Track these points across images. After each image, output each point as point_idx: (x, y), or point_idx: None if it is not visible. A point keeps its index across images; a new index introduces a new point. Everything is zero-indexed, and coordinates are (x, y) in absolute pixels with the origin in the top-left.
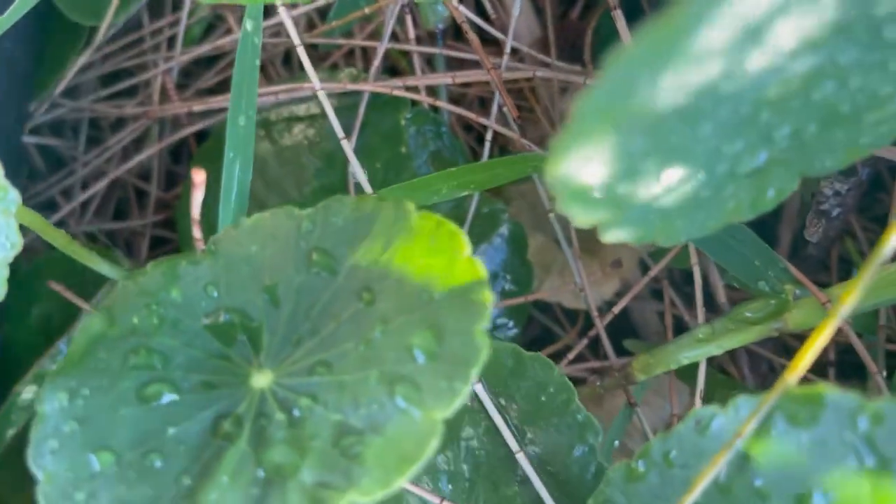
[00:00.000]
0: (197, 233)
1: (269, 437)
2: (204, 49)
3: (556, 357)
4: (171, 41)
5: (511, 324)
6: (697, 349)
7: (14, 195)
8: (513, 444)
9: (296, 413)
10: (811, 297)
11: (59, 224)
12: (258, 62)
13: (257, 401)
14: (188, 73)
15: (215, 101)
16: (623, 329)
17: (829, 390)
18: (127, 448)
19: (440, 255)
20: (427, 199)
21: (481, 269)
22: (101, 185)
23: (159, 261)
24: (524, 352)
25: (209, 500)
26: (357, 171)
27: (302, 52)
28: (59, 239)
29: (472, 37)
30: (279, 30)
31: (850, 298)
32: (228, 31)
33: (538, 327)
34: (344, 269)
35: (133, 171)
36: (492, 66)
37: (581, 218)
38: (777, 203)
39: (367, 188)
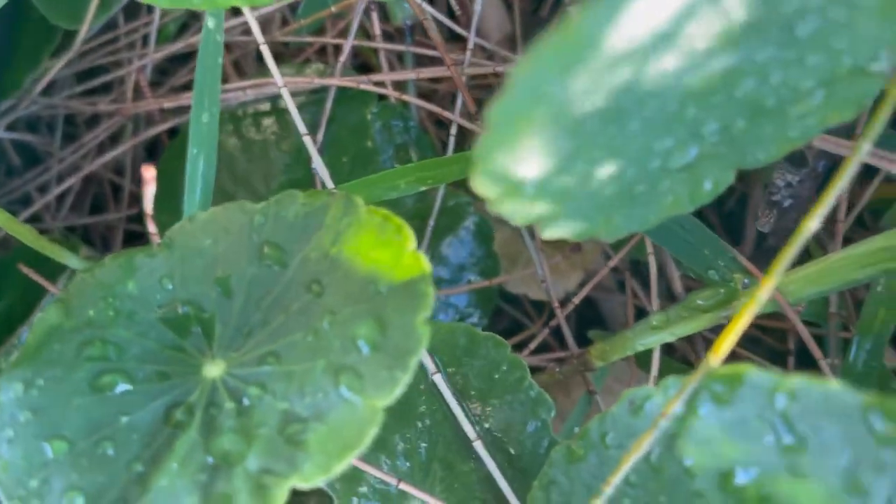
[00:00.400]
0: (152, 227)
1: (218, 425)
2: (178, 47)
3: (522, 346)
4: (146, 39)
5: (478, 314)
6: (652, 336)
7: None
8: (467, 428)
9: (245, 402)
10: (759, 286)
11: (35, 220)
12: (220, 60)
13: (209, 390)
14: (163, 71)
15: (187, 98)
16: (592, 320)
17: (749, 370)
18: (80, 436)
19: (387, 249)
20: (385, 193)
21: (425, 263)
22: (75, 181)
23: (117, 254)
24: (478, 331)
25: (159, 485)
26: (318, 167)
27: (265, 51)
28: (25, 234)
29: (435, 34)
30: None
31: (767, 286)
32: (202, 30)
33: (507, 319)
34: (294, 261)
35: (108, 166)
36: (453, 62)
37: (516, 216)
38: (715, 196)
39: (329, 183)
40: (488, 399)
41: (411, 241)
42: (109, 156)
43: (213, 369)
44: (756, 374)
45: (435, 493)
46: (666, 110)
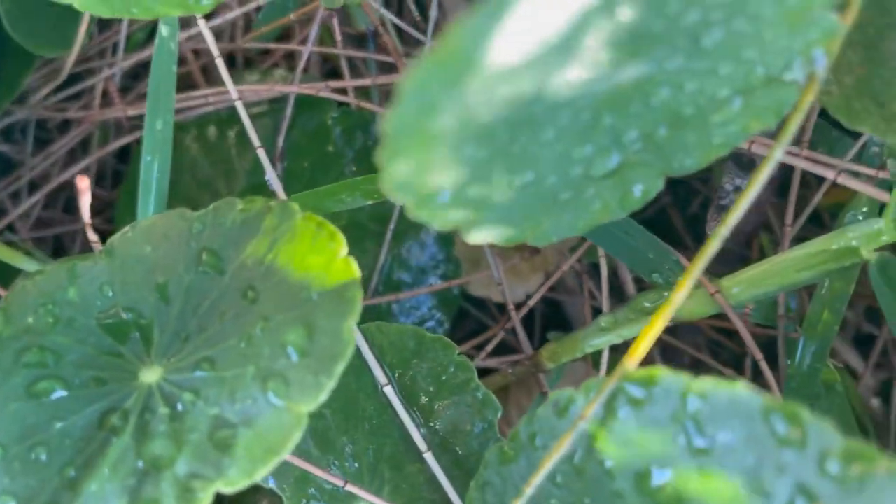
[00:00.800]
0: (92, 235)
1: (151, 430)
2: (146, 54)
3: (482, 349)
4: (115, 47)
5: (440, 318)
6: (600, 338)
7: None
8: (416, 437)
9: (179, 407)
10: (703, 288)
11: (7, 228)
12: (174, 67)
13: (144, 395)
14: (136, 76)
15: None
16: (557, 322)
17: (662, 372)
18: (13, 441)
19: (319, 255)
20: (334, 206)
21: (355, 269)
22: (41, 192)
23: (58, 261)
24: (426, 333)
25: (89, 490)
26: (270, 176)
27: (220, 63)
28: None
29: (388, 39)
30: (219, 32)
31: (682, 289)
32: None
33: (472, 322)
34: (231, 268)
35: (80, 173)
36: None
37: (434, 223)
38: (645, 202)
39: (281, 192)
40: (436, 400)
41: (343, 247)
42: (82, 164)
43: (150, 375)
44: (668, 376)
45: (382, 493)
46: (580, 119)
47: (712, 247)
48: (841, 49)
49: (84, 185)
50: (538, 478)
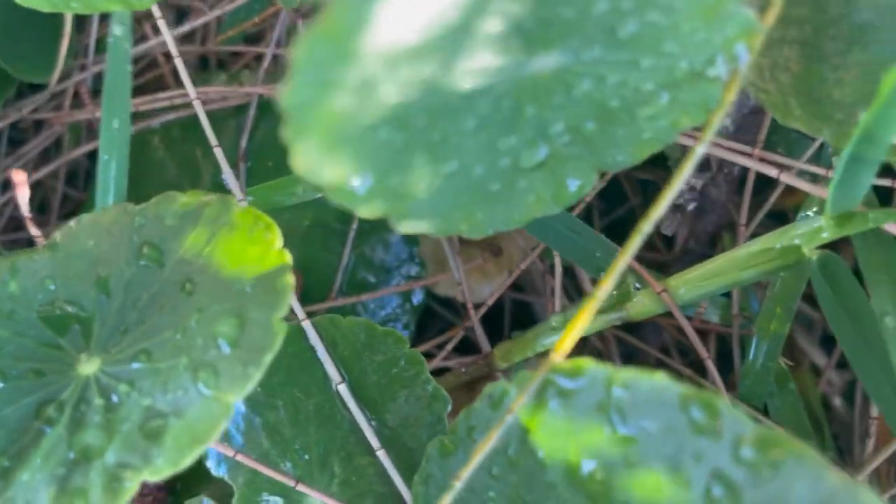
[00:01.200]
0: (34, 230)
1: (86, 421)
2: None
3: (443, 347)
4: (87, 48)
5: (405, 318)
6: (552, 336)
7: None
8: (368, 433)
9: (114, 398)
10: (651, 288)
11: None
12: (129, 66)
13: (81, 387)
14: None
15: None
16: (526, 325)
17: (588, 363)
18: None
19: (255, 247)
20: (287, 199)
21: (287, 257)
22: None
23: (1, 256)
24: (377, 326)
25: (21, 480)
26: (226, 173)
27: (179, 64)
28: None
29: None
30: (191, 35)
31: (606, 283)
32: (143, 38)
33: (439, 321)
34: (171, 261)
35: (52, 173)
36: None
37: (359, 211)
38: (580, 196)
39: (235, 189)
40: (386, 393)
41: (278, 238)
42: (52, 166)
43: (88, 367)
44: (594, 367)
45: (332, 487)
46: (501, 108)
47: (635, 242)
48: (778, 46)
49: (20, 178)
50: (468, 471)
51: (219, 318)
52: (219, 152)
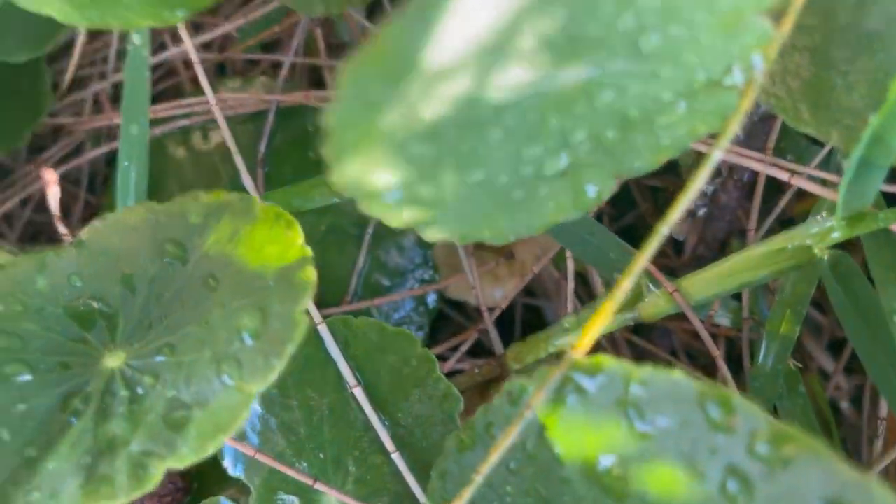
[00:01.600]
0: (62, 228)
1: (111, 412)
2: None
3: (457, 350)
4: (106, 58)
5: (419, 321)
6: (564, 338)
7: None
8: (383, 436)
9: (139, 391)
10: (664, 288)
11: None
12: (147, 73)
13: (107, 380)
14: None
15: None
16: (539, 329)
17: (607, 360)
18: None
19: (277, 244)
20: (305, 203)
21: (308, 251)
22: (32, 192)
23: (30, 253)
24: (388, 327)
25: (47, 469)
26: (244, 177)
27: (199, 70)
28: None
29: None
30: (210, 42)
31: (624, 282)
32: (162, 46)
33: (453, 325)
34: (194, 258)
35: (69, 177)
36: None
37: (387, 221)
38: (600, 202)
39: (254, 192)
40: (399, 392)
41: (300, 235)
42: (69, 166)
43: (113, 360)
44: (613, 364)
45: (347, 484)
46: (527, 120)
47: (653, 243)
48: (789, 53)
49: (51, 177)
50: (487, 466)
51: (241, 312)
52: (238, 157)
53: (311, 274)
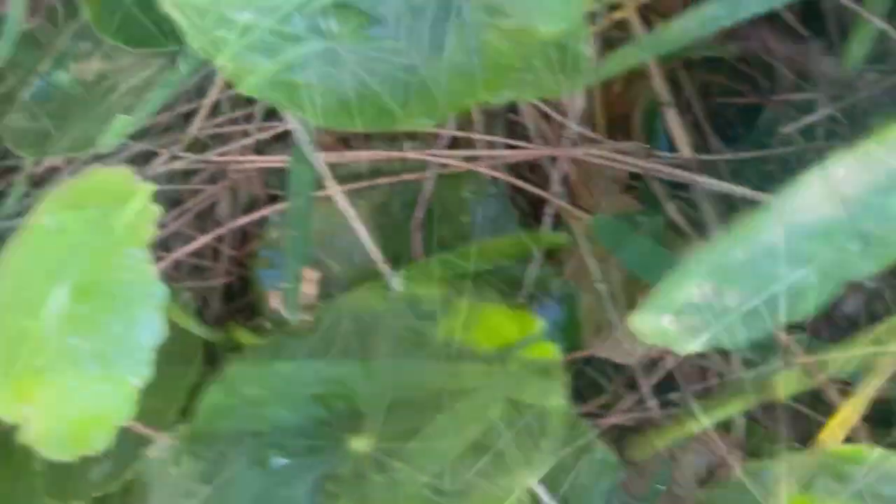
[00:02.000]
0: (302, 315)
1: (367, 497)
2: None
3: (604, 408)
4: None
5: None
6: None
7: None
8: None
9: (390, 475)
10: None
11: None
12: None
13: (356, 463)
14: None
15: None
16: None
17: (868, 450)
18: None
19: (513, 328)
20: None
21: (555, 350)
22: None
23: (268, 337)
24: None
25: None
26: (373, 253)
27: None
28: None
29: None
30: None
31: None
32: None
33: (586, 380)
34: (432, 343)
35: (207, 230)
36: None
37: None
38: None
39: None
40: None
41: (536, 325)
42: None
43: (359, 443)
44: (875, 454)
45: None
46: None
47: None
48: None
49: (311, 276)
50: None
51: (491, 401)
52: (362, 231)
53: (560, 366)
